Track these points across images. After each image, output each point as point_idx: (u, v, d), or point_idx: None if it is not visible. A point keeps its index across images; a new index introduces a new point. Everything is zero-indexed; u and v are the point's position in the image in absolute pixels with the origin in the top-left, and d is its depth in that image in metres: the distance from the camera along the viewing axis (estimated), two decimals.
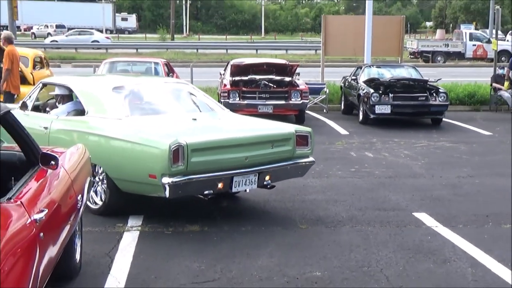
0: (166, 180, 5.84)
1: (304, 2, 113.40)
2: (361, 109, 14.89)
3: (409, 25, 62.16)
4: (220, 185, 6.23)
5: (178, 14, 77.67)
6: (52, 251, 3.84)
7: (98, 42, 50.49)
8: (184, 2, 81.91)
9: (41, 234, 3.45)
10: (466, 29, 47.05)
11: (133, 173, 6.31)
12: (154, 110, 7.33)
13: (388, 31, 19.55)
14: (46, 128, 7.20)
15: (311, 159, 7.06)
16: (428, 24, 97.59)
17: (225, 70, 16.25)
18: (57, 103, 7.90)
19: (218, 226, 6.65)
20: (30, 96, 8.06)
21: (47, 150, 4.33)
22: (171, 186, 5.86)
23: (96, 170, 6.69)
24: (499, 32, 26.03)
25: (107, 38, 54.29)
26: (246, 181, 6.39)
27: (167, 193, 5.96)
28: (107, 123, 6.75)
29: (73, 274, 5.08)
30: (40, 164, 4.01)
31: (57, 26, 63.26)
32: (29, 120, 7.46)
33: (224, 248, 5.97)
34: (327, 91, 17.24)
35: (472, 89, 18.81)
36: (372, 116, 14.30)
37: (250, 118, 7.90)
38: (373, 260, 5.72)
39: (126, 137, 6.38)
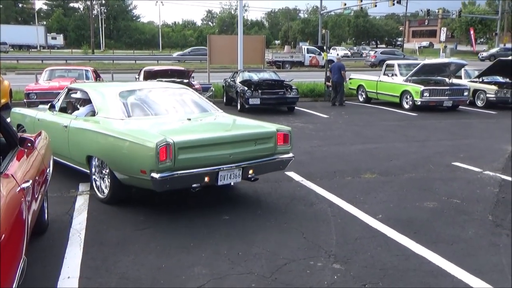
0: (154, 175, 4.87)
1: (189, 26, 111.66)
2: (239, 101, 14.93)
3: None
4: (206, 179, 5.20)
5: (96, 34, 73.89)
6: (34, 210, 3.58)
7: None
8: (100, 25, 78.42)
9: (28, 198, 3.20)
10: (304, 45, 48.23)
11: (128, 168, 5.31)
12: (153, 112, 6.16)
13: (254, 46, 19.66)
14: (66, 126, 6.31)
15: (291, 155, 6.00)
16: (277, 42, 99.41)
17: (138, 75, 15.66)
18: (79, 105, 6.93)
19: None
20: (58, 99, 7.04)
21: (21, 135, 4.00)
22: (159, 181, 4.88)
23: (103, 164, 5.76)
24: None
25: None
26: (230, 175, 5.36)
27: (155, 187, 5.04)
28: (110, 123, 5.77)
29: (44, 229, 4.77)
30: (19, 146, 3.70)
31: (0, 43, 58.29)
32: (54, 119, 6.73)
33: (157, 203, 5.80)
34: (213, 89, 17.12)
35: (312, 86, 19.36)
36: (247, 106, 14.33)
37: (240, 118, 6.75)
38: (264, 207, 5.78)
39: (122, 136, 5.36)
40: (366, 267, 4.11)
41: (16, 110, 8.27)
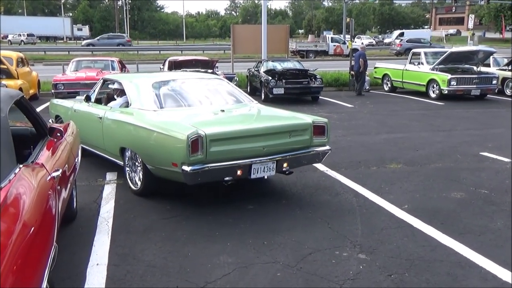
0: (185, 168, 4.75)
1: (212, 16, 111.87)
2: (263, 91, 14.93)
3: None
4: (239, 172, 5.03)
5: (121, 25, 74.79)
6: (64, 198, 3.66)
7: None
8: (125, 16, 79.10)
9: (58, 186, 3.27)
10: (328, 34, 47.79)
11: (160, 160, 5.19)
12: (186, 103, 6.01)
13: (278, 36, 19.59)
14: (100, 118, 6.23)
15: (327, 147, 5.76)
16: (301, 31, 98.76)
17: (163, 65, 15.83)
18: (115, 96, 6.74)
19: None
20: (94, 90, 7.00)
21: (50, 125, 4.09)
22: (190, 174, 4.75)
23: (135, 156, 5.68)
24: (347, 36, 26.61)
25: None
26: (264, 168, 5.16)
27: (186, 180, 4.93)
28: (142, 114, 5.65)
29: (73, 217, 4.86)
30: (49, 136, 3.78)
31: (28, 35, 59.17)
32: (90, 110, 6.66)
33: (182, 193, 5.83)
34: (237, 79, 17.16)
35: (336, 75, 19.26)
36: (271, 96, 14.33)
37: (274, 110, 6.48)
38: (288, 196, 5.78)
39: (154, 127, 5.24)
40: (392, 258, 4.09)
41: (54, 101, 8.36)
